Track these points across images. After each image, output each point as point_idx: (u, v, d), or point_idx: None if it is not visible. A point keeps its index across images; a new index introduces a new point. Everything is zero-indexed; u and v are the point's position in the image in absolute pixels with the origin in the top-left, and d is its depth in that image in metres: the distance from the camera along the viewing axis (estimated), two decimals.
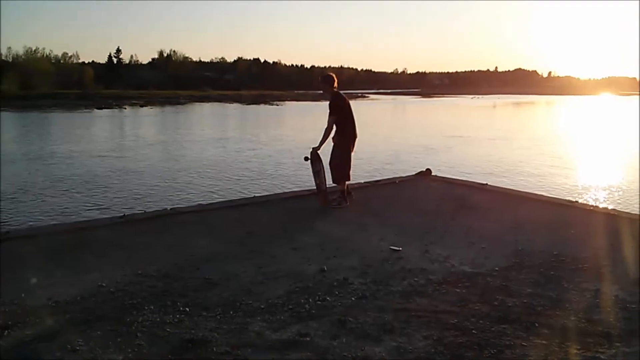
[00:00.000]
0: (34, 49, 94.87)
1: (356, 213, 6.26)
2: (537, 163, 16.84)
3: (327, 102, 6.51)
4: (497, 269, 4.35)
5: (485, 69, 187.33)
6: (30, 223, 8.49)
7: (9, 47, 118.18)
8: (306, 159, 6.55)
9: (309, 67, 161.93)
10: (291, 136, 26.49)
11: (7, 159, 16.94)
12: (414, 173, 8.88)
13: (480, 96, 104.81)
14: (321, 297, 3.70)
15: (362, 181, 8.30)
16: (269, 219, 6.01)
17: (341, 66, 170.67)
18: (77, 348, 2.95)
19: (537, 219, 6.02)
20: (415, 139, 24.55)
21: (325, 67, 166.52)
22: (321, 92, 6.77)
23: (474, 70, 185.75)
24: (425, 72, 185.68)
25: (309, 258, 4.58)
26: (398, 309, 3.55)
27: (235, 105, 68.00)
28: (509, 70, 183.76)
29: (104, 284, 3.91)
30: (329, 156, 6.59)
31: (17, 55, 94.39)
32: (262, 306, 3.55)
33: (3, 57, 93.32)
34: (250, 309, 3.50)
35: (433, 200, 6.94)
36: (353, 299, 3.71)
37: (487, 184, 8.24)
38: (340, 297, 3.73)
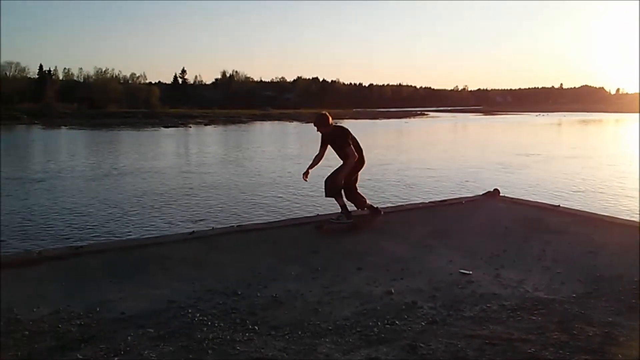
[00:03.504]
0: (104, 69, 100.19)
1: (422, 234, 6.12)
2: (609, 183, 16.09)
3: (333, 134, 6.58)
4: (574, 295, 4.13)
5: (549, 85, 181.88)
6: (102, 238, 8.86)
7: (81, 68, 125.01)
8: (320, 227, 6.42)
9: (367, 85, 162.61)
10: None
11: (80, 175, 17.85)
12: (480, 193, 8.64)
13: (545, 114, 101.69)
14: (390, 321, 3.62)
15: (427, 200, 8.15)
16: (333, 238, 5.98)
17: (399, 84, 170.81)
18: None
19: (615, 242, 5.69)
20: (480, 158, 24.03)
21: (383, 85, 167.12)
22: (320, 130, 6.68)
23: (537, 87, 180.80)
24: (487, 89, 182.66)
25: (375, 279, 4.50)
26: (471, 335, 3.41)
27: (295, 123, 68.90)
28: (574, 87, 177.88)
29: (174, 300, 3.98)
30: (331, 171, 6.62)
31: (88, 75, 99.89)
32: (330, 327, 3.50)
33: (75, 78, 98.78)
34: (318, 330, 3.46)
35: (502, 221, 6.72)
36: (423, 323, 3.60)
37: (559, 205, 7.90)
38: (410, 321, 3.63)
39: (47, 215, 11.19)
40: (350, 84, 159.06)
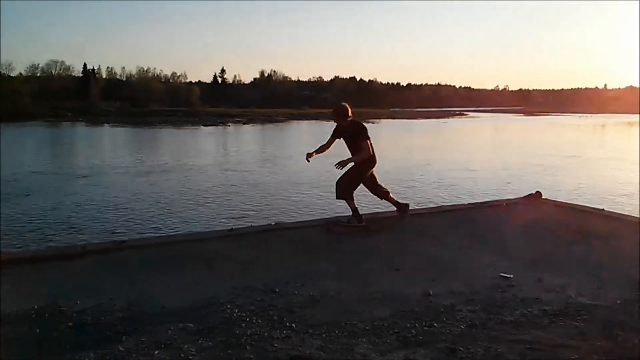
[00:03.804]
0: (145, 68, 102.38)
1: (461, 235, 6.04)
2: None
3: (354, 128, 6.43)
4: (619, 302, 4.00)
5: (592, 86, 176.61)
6: (144, 233, 9.09)
7: (123, 67, 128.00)
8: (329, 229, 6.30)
9: (405, 84, 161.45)
10: (391, 153, 26.34)
11: (124, 171, 18.33)
12: (522, 195, 8.46)
13: (588, 115, 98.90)
14: (428, 323, 3.58)
15: (467, 202, 8.04)
16: (369, 238, 5.95)
17: (438, 83, 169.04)
18: (190, 357, 3.04)
19: None
20: (521, 159, 23.54)
21: (421, 84, 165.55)
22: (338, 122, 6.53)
23: (580, 88, 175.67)
24: (528, 90, 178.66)
25: (413, 280, 4.46)
26: (511, 340, 3.35)
27: (332, 123, 68.86)
28: (619, 88, 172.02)
29: (214, 295, 4.03)
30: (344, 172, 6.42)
31: (130, 74, 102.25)
32: (367, 327, 3.49)
33: (118, 76, 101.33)
34: (355, 330, 3.45)
35: (544, 225, 6.56)
36: (462, 326, 3.55)
37: (603, 209, 7.67)
38: (448, 324, 3.58)
39: (92, 210, 11.55)
40: (388, 83, 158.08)
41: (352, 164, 6.35)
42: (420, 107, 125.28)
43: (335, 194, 6.41)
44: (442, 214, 7.43)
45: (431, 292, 4.15)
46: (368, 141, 6.30)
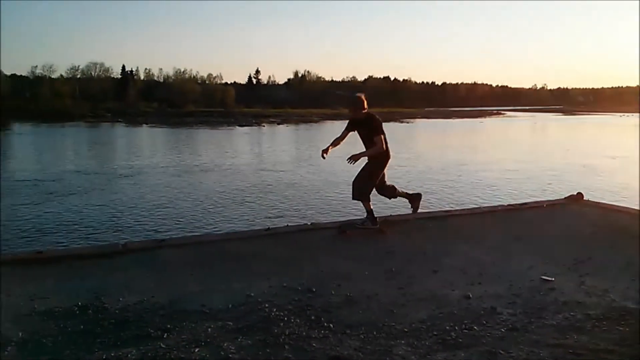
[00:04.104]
0: (182, 70, 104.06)
1: (501, 237, 5.93)
2: None
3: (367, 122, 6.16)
4: None
5: (634, 85, 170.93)
6: (183, 232, 9.26)
7: (161, 69, 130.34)
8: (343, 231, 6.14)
9: (440, 84, 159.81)
10: (427, 154, 26.11)
11: (163, 171, 18.70)
12: (563, 196, 8.26)
13: (630, 114, 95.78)
14: (468, 326, 3.53)
15: (506, 203, 7.90)
16: (407, 239, 5.90)
17: (474, 82, 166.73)
18: (230, 355, 3.07)
19: None
20: (562, 160, 23.01)
21: (457, 83, 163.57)
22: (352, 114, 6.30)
23: (622, 87, 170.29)
24: (567, 88, 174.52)
25: (452, 282, 4.40)
26: (554, 344, 3.27)
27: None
28: None
29: (252, 294, 4.07)
30: (358, 172, 6.25)
31: (167, 76, 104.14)
32: (405, 329, 3.46)
33: (155, 78, 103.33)
34: (393, 331, 3.43)
35: (586, 227, 6.39)
36: (503, 330, 3.49)
37: None
38: (489, 327, 3.52)
39: (133, 209, 11.84)
40: (423, 82, 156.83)
41: (366, 161, 6.20)
42: (455, 107, 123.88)
43: (351, 195, 6.25)
44: (481, 215, 7.32)
45: (470, 295, 4.09)
46: (382, 136, 6.06)
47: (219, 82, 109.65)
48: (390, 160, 6.28)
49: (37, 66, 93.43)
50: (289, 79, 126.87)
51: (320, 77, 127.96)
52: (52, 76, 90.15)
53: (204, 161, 22.20)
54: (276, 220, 10.02)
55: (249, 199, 13.07)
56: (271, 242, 5.74)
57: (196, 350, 3.15)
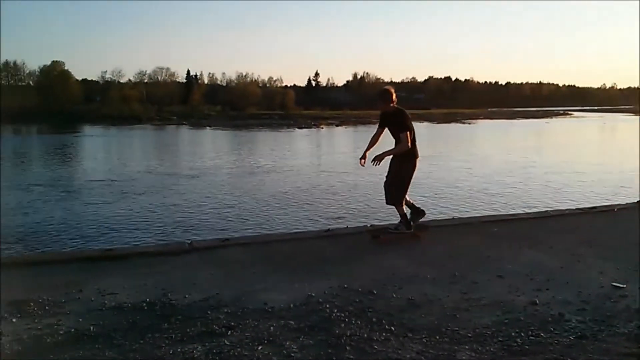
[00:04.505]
0: (244, 74, 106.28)
1: (569, 242, 5.70)
2: None
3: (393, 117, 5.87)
4: None
5: None
6: (247, 231, 9.47)
7: (224, 73, 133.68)
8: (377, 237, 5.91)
9: (503, 83, 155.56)
10: (490, 155, 25.45)
11: (227, 172, 19.17)
12: (635, 200, 7.86)
13: None
14: (534, 332, 3.41)
15: (574, 207, 7.59)
16: (471, 243, 5.76)
17: (540, 82, 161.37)
18: (292, 355, 3.11)
19: None
20: (635, 162, 21.83)
21: (521, 83, 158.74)
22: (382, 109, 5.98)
23: None
24: (639, 88, 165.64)
25: (518, 288, 4.28)
26: (624, 353, 3.12)
27: (426, 124, 67.80)
28: None
29: (313, 294, 4.10)
30: (387, 174, 5.95)
31: (230, 79, 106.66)
32: (469, 334, 3.39)
33: (218, 82, 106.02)
34: (456, 336, 3.36)
35: None
36: (571, 337, 3.36)
37: None
38: (556, 334, 3.40)
39: (199, 209, 12.18)
40: (485, 82, 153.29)
41: (395, 163, 5.89)
42: (520, 107, 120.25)
43: (384, 200, 6.01)
44: (549, 219, 7.07)
45: (537, 301, 3.97)
46: (408, 133, 5.71)
47: (279, 85, 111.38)
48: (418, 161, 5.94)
49: (106, 71, 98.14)
50: (347, 81, 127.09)
51: (379, 79, 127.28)
52: (121, 81, 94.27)
53: (266, 162, 22.54)
54: (336, 221, 10.04)
55: (310, 199, 13.16)
56: (331, 243, 5.76)
57: (259, 348, 3.20)
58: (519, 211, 10.18)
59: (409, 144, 5.71)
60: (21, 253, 7.91)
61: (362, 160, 5.83)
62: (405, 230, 5.88)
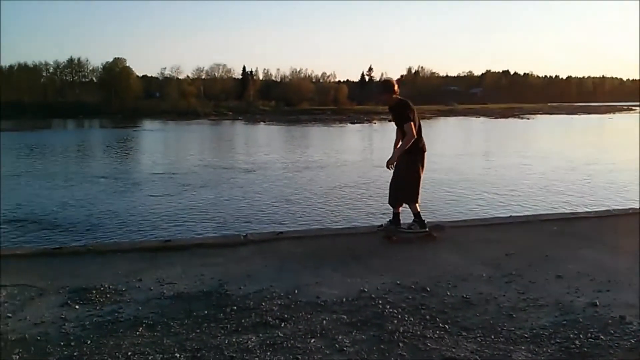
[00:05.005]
0: (298, 69, 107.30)
1: (633, 243, 5.45)
2: None
3: (398, 110, 5.59)
4: None
5: None
6: (300, 225, 9.59)
7: (278, 69, 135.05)
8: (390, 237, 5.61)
9: (564, 77, 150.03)
10: (550, 151, 24.65)
11: (283, 166, 19.42)
12: None
13: None
14: (594, 335, 3.31)
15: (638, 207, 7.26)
16: (528, 242, 5.61)
17: (602, 76, 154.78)
18: (344, 349, 3.13)
19: None
20: None
21: (583, 77, 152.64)
22: (384, 102, 5.71)
23: None
24: None
25: (577, 289, 4.14)
26: None
27: (482, 119, 66.39)
28: None
29: (365, 289, 4.10)
30: (394, 173, 5.65)
31: (284, 75, 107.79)
32: (526, 335, 3.32)
33: (273, 78, 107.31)
34: (512, 336, 3.30)
35: None
36: (632, 341, 3.23)
37: None
38: (617, 337, 3.28)
39: (255, 202, 12.46)
40: (545, 76, 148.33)
41: (404, 160, 5.58)
42: (581, 102, 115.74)
43: (387, 200, 5.78)
44: (611, 219, 6.80)
45: (598, 302, 3.83)
46: (412, 123, 5.40)
47: (332, 80, 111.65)
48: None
49: (165, 68, 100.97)
50: (402, 76, 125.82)
51: (434, 73, 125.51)
52: (179, 77, 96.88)
53: (320, 157, 22.67)
54: (386, 217, 9.98)
55: (365, 195, 13.14)
56: (384, 239, 5.73)
57: (312, 341, 3.24)
58: (580, 209, 9.83)
59: (414, 133, 5.42)
60: (85, 243, 8.29)
61: (390, 165, 5.62)
62: (419, 229, 5.65)
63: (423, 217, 5.73)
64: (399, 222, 5.74)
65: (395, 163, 5.59)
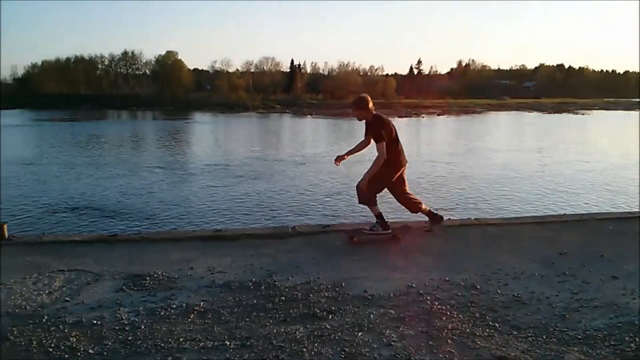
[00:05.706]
0: (346, 63, 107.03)
1: None
2: None
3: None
4: None
5: None
6: (347, 218, 9.61)
7: (326, 62, 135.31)
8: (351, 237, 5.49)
9: (621, 72, 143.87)
10: (604, 149, 23.75)
11: (331, 159, 19.44)
12: None
13: None
14: None
15: None
16: (582, 241, 5.44)
17: None
18: (392, 343, 3.13)
19: None
20: None
21: None
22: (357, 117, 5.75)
23: None
24: None
25: (633, 290, 4.00)
26: None
27: (535, 114, 64.52)
28: None
29: (413, 285, 4.09)
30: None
31: (332, 69, 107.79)
32: (579, 336, 3.24)
33: (320, 71, 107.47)
34: (565, 337, 3.23)
35: None
36: None
37: None
38: None
39: (304, 194, 12.61)
40: (601, 71, 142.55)
41: (374, 163, 5.57)
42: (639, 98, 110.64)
43: (357, 199, 5.76)
44: None
45: None
46: (383, 144, 5.45)
47: (380, 73, 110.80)
48: (405, 168, 5.69)
49: (216, 61, 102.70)
50: (451, 69, 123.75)
51: (485, 66, 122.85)
52: (229, 70, 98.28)
53: (370, 151, 22.53)
54: (442, 213, 9.86)
55: (417, 189, 13.02)
56: (433, 235, 5.68)
57: (359, 334, 3.26)
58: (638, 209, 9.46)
59: (385, 154, 5.47)
60: (140, 230, 8.56)
61: (337, 161, 5.85)
62: (381, 231, 5.57)
63: (386, 219, 5.67)
64: (384, 220, 5.64)
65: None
